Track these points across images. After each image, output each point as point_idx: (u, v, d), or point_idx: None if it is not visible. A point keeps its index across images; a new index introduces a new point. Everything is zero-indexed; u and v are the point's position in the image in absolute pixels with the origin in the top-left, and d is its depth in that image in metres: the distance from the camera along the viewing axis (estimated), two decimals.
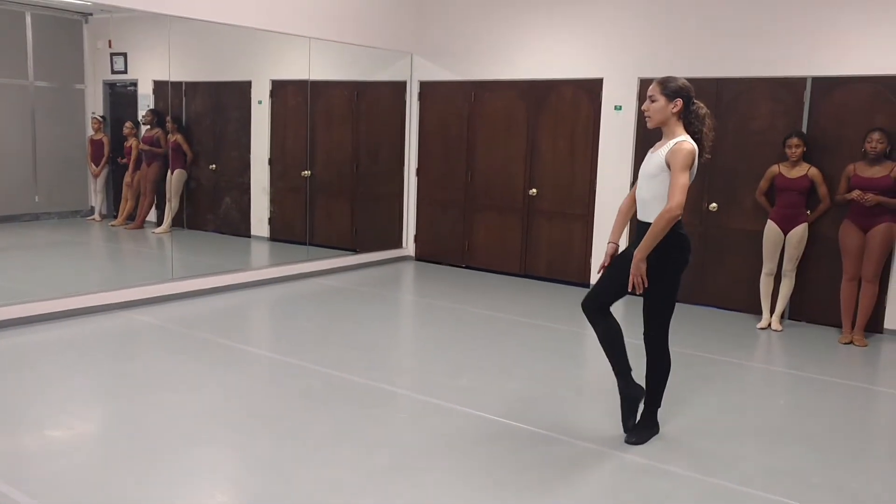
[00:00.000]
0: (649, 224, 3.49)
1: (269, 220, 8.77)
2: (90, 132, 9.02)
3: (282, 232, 8.71)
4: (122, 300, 6.09)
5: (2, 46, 8.26)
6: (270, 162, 8.66)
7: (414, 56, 8.46)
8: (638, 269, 3.48)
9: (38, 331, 5.41)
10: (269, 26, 6.96)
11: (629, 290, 3.56)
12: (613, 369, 3.76)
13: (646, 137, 7.06)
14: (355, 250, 8.49)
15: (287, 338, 5.72)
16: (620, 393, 3.79)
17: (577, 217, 7.55)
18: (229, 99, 8.86)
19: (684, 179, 3.36)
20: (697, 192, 6.80)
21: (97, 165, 8.98)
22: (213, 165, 8.86)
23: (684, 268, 3.60)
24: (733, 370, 5.18)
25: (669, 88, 3.49)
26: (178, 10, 6.26)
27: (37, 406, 4.05)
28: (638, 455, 3.66)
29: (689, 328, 6.17)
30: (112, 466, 3.40)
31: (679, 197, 3.36)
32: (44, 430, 3.75)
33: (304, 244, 8.29)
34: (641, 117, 6.99)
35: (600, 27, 7.24)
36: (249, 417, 4.00)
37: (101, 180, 9.03)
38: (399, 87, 8.59)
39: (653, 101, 3.53)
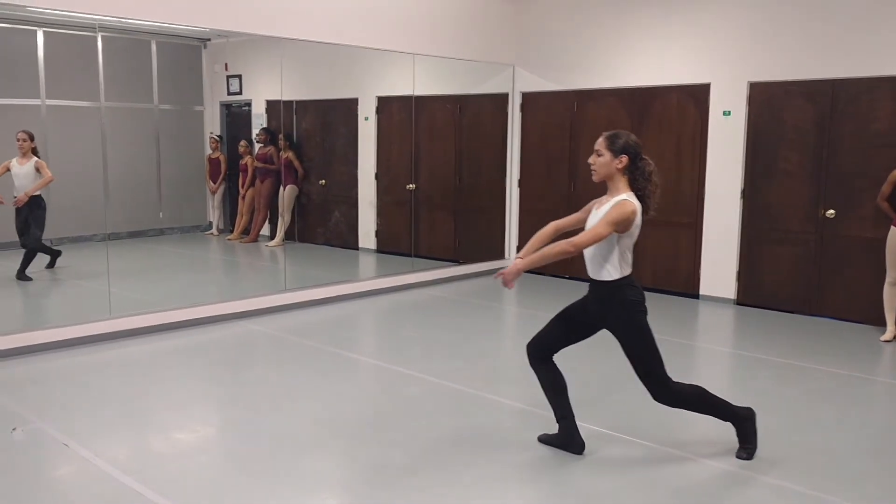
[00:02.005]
0: (599, 281, 3.51)
1: (376, 232, 9.00)
2: (208, 151, 9.54)
3: (388, 244, 8.91)
4: (239, 311, 6.40)
5: (131, 74, 8.88)
6: (377, 176, 8.89)
7: (515, 68, 8.50)
8: (512, 276, 3.45)
9: (163, 339, 5.76)
10: (375, 44, 7.17)
11: (502, 282, 3.52)
12: (556, 414, 3.74)
13: (757, 143, 6.84)
14: (458, 261, 8.58)
15: (394, 347, 5.85)
16: (563, 436, 3.74)
17: (684, 225, 7.37)
18: (337, 116, 9.17)
19: (604, 231, 3.35)
20: (813, 199, 6.52)
21: (215, 182, 9.48)
22: (323, 181, 9.18)
23: (645, 313, 3.57)
24: (855, 384, 4.93)
25: (616, 145, 3.46)
26: (291, 32, 6.55)
27: (163, 409, 4.32)
28: (749, 469, 3.55)
29: (807, 340, 5.92)
30: (232, 468, 3.60)
31: (588, 240, 3.37)
32: (169, 432, 4.00)
33: (410, 256, 8.46)
34: (752, 122, 6.87)
35: (706, 31, 7.07)
36: (358, 424, 4.12)
37: (218, 196, 9.53)
38: (501, 99, 8.65)
39: (599, 156, 3.50)
